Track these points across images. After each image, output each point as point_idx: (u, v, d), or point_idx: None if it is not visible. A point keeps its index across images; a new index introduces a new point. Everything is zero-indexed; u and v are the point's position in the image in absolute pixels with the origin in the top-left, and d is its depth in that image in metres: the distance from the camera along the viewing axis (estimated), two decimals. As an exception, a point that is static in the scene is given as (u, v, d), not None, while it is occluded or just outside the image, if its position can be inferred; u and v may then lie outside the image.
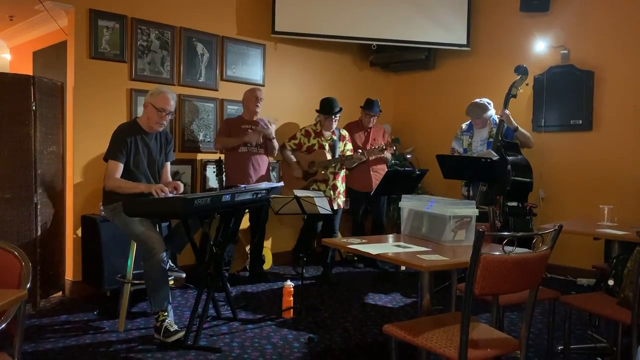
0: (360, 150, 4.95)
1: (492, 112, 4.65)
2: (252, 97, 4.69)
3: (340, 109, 4.81)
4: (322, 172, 4.74)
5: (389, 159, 5.36)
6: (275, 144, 4.74)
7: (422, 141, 6.06)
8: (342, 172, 4.90)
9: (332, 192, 4.74)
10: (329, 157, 4.76)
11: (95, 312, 3.79)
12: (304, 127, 4.92)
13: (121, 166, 3.36)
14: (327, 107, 4.77)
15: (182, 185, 3.53)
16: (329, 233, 4.88)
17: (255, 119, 4.70)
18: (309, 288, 4.47)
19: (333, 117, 4.75)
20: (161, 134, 3.59)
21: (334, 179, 4.79)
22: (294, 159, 4.84)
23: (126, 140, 3.37)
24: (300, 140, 4.84)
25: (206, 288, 3.35)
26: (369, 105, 5.27)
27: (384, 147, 4.82)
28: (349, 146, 4.98)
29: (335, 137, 4.86)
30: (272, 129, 4.68)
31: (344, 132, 5.00)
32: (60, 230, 4.12)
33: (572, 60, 5.09)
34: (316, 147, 4.79)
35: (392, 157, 5.47)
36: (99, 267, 3.95)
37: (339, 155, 4.82)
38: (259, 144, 4.68)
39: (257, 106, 4.69)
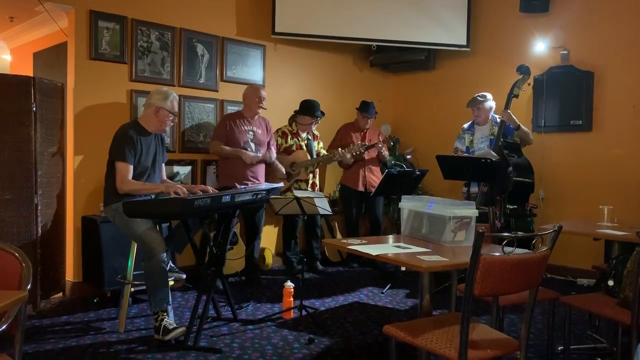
0: (340, 150, 4.95)
1: (491, 103, 4.68)
2: (254, 97, 4.53)
3: (323, 113, 5.01)
4: (305, 172, 4.94)
5: (386, 157, 5.33)
6: (274, 151, 4.74)
7: (422, 141, 6.06)
8: (318, 170, 5.17)
9: (311, 190, 4.93)
10: (308, 157, 4.96)
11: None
12: (279, 128, 5.02)
13: (132, 168, 3.33)
14: (311, 109, 4.93)
15: (210, 189, 3.54)
16: (313, 228, 5.17)
17: (256, 118, 4.62)
18: (310, 288, 4.46)
19: (317, 119, 4.96)
20: (156, 135, 3.60)
21: (313, 177, 5.05)
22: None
23: (134, 141, 3.35)
24: (277, 141, 4.91)
25: (206, 288, 3.35)
26: (365, 108, 5.27)
27: (362, 149, 4.93)
28: (322, 144, 5.23)
29: (310, 137, 5.07)
30: (273, 153, 4.70)
31: (317, 132, 5.19)
32: (60, 231, 4.13)
33: (571, 61, 5.10)
34: (294, 147, 4.97)
35: (391, 157, 5.44)
36: (99, 268, 3.95)
37: (323, 155, 5.08)
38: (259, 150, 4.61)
39: (260, 107, 4.55)
